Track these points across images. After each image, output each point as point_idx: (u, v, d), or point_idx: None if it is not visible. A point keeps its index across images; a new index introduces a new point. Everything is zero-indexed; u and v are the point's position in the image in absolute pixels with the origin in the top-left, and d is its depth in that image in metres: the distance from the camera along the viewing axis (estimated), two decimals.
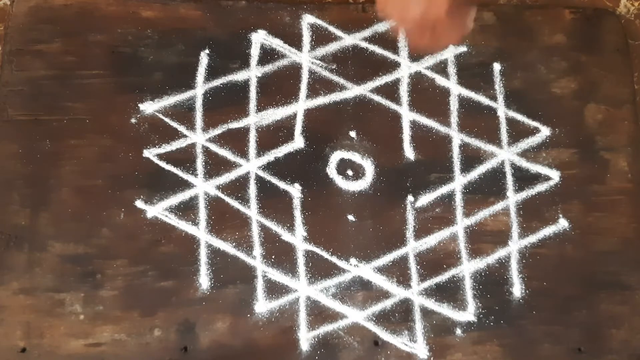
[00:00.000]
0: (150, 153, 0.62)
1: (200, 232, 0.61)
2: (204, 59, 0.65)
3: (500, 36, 0.68)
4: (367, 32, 0.67)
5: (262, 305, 0.59)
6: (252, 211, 0.62)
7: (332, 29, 0.67)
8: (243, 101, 0.65)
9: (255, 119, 0.64)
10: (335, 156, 0.64)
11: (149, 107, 0.63)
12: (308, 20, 0.67)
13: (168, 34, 0.65)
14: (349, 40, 0.67)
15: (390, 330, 0.60)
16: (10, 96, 0.62)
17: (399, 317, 0.60)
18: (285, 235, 0.61)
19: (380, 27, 0.67)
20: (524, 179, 0.65)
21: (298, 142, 0.64)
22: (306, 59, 0.66)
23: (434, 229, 0.63)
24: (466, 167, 0.65)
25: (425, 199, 0.63)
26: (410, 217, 0.63)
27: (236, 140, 0.63)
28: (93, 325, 0.58)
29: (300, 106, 0.65)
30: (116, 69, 0.64)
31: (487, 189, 0.64)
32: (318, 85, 0.66)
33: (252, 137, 0.64)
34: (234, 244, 0.61)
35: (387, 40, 0.67)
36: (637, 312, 0.62)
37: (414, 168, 0.64)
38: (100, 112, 0.63)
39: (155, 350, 0.58)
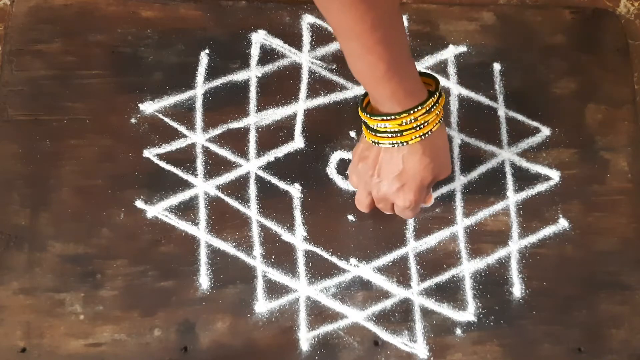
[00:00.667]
0: (150, 153, 0.62)
1: (200, 232, 0.61)
2: (204, 59, 0.65)
3: (500, 36, 0.68)
4: None
5: (262, 305, 0.59)
6: (252, 211, 0.62)
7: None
8: (243, 101, 0.65)
9: (255, 119, 0.64)
10: (335, 156, 0.64)
11: (149, 107, 0.63)
12: (308, 20, 0.67)
13: (168, 34, 0.65)
14: None
15: (390, 330, 0.60)
16: (10, 96, 0.62)
17: (399, 317, 0.60)
18: (285, 235, 0.61)
19: None
20: (524, 179, 0.65)
21: (298, 142, 0.64)
22: (306, 59, 0.66)
23: (434, 229, 0.63)
24: (466, 167, 0.65)
25: None
26: None
27: (236, 140, 0.64)
28: (93, 325, 0.58)
29: (300, 106, 0.65)
30: (116, 69, 0.64)
31: (487, 189, 0.64)
32: (318, 85, 0.66)
33: (252, 137, 0.64)
34: (234, 244, 0.61)
35: None
36: (637, 312, 0.62)
37: None
38: (100, 112, 0.63)
39: (155, 350, 0.58)
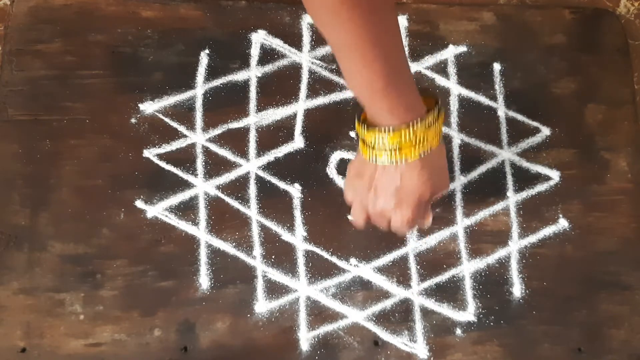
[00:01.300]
0: (150, 153, 0.62)
1: (200, 232, 0.61)
2: (204, 59, 0.65)
3: (500, 36, 0.68)
4: None
5: (262, 305, 0.59)
6: (252, 211, 0.62)
7: None
8: (243, 101, 0.65)
9: (255, 119, 0.64)
10: (335, 156, 0.64)
11: (149, 107, 0.63)
12: (308, 20, 0.67)
13: (168, 34, 0.65)
14: None
15: (390, 330, 0.60)
16: (10, 96, 0.62)
17: (399, 317, 0.60)
18: (285, 235, 0.61)
19: None
20: (524, 179, 0.65)
21: (298, 142, 0.64)
22: (306, 59, 0.66)
23: (434, 229, 0.63)
24: (466, 167, 0.65)
25: None
26: None
27: (236, 140, 0.63)
28: (93, 325, 0.58)
29: (300, 106, 0.65)
30: (116, 69, 0.64)
31: (487, 189, 0.64)
32: (318, 85, 0.66)
33: (252, 137, 0.64)
34: (234, 244, 0.61)
35: None
36: (637, 312, 0.62)
37: None
38: (100, 112, 0.63)
39: (155, 350, 0.58)
